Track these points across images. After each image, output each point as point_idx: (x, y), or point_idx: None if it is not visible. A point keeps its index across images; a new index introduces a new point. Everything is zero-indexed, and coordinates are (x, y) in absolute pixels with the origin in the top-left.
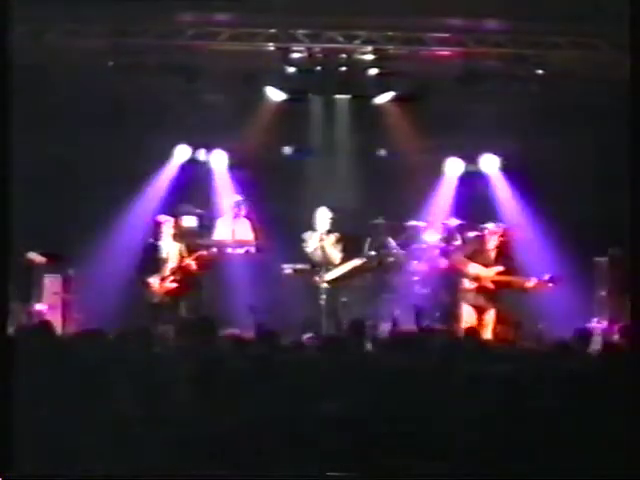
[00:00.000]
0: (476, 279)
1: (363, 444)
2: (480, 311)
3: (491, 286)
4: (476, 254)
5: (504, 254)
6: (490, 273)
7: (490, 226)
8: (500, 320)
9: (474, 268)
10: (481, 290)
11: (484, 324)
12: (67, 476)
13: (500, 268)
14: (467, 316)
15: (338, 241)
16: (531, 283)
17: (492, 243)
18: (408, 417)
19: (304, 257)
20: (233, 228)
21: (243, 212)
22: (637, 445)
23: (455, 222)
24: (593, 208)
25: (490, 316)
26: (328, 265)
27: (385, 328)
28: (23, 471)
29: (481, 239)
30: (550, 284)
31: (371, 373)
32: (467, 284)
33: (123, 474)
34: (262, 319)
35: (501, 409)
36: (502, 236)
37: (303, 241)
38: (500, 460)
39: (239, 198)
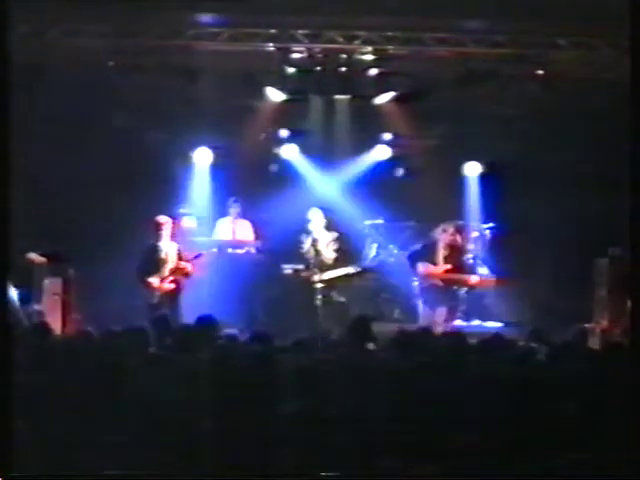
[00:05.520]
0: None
1: (363, 444)
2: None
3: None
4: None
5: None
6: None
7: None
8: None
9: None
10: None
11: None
12: (67, 476)
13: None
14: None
15: (334, 241)
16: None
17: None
18: (408, 417)
19: (302, 257)
20: (234, 228)
21: (238, 211)
22: (637, 444)
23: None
24: (593, 208)
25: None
26: (321, 265)
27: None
28: (23, 471)
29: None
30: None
31: (373, 372)
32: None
33: (123, 474)
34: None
35: (501, 409)
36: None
37: (300, 241)
38: (500, 460)
39: (234, 198)
